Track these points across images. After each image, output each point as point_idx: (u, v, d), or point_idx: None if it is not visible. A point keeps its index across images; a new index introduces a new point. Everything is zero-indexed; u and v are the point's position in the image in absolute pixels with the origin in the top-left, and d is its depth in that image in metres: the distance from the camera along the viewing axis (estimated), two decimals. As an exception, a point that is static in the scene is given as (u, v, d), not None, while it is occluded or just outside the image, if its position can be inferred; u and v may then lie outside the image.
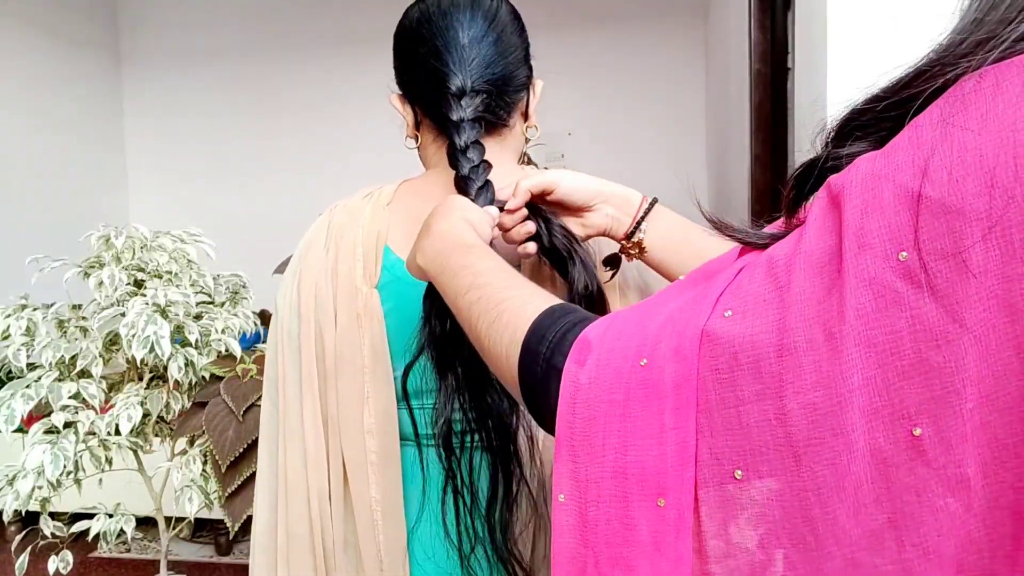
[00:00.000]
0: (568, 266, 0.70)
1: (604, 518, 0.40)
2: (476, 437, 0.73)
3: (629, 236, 0.74)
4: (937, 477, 0.32)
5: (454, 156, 0.73)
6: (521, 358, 0.47)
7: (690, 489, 0.38)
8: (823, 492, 0.34)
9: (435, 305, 0.67)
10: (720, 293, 0.40)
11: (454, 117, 0.73)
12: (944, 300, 0.32)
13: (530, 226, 0.72)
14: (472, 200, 0.71)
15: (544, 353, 0.45)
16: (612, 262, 0.78)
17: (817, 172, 0.42)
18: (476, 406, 0.71)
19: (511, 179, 0.73)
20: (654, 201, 0.75)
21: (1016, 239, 0.30)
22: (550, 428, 0.44)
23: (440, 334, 0.68)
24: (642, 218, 0.73)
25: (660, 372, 0.39)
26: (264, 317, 2.21)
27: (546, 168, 0.89)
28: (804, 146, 1.52)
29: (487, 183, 0.73)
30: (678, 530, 0.38)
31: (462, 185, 0.73)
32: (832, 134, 0.42)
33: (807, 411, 0.34)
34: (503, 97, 0.77)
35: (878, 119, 0.40)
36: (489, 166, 0.74)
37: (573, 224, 0.74)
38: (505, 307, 0.51)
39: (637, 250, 0.75)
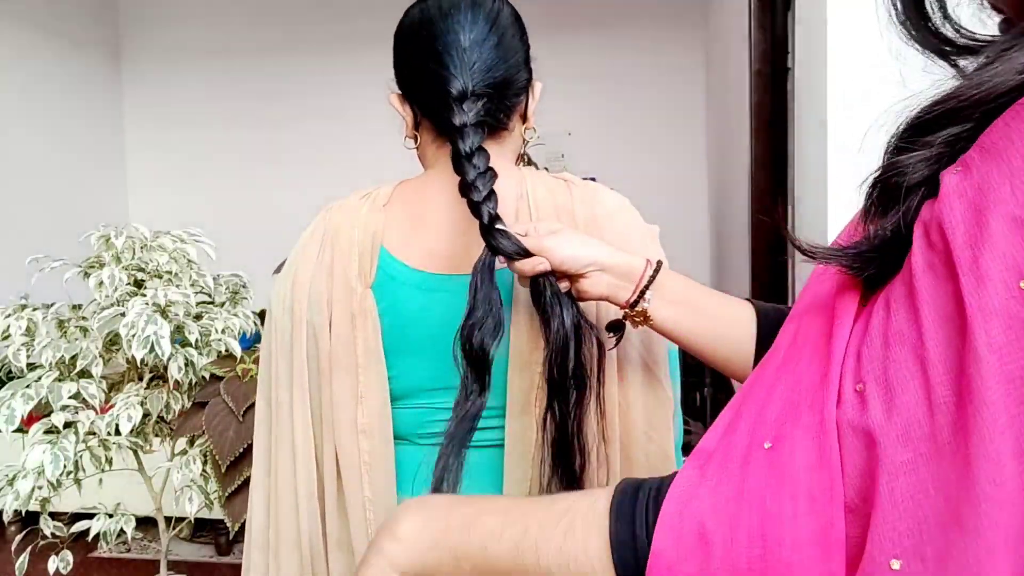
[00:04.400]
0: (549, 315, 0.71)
1: None
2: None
3: (632, 304, 0.71)
4: None
5: (459, 162, 0.72)
6: (615, 552, 0.43)
7: None
8: (993, 550, 0.32)
9: None
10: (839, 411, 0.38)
11: (456, 122, 0.72)
12: None
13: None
14: (477, 207, 0.70)
15: (641, 536, 0.42)
16: (616, 328, 0.75)
17: (883, 182, 0.41)
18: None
19: (513, 184, 0.72)
20: (658, 267, 0.71)
21: None
22: None
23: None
24: (645, 287, 0.70)
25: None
26: (264, 317, 2.20)
27: (554, 172, 0.88)
28: (804, 146, 1.52)
29: (492, 193, 0.71)
30: None
31: (467, 191, 0.72)
32: (893, 144, 0.41)
33: (964, 469, 0.33)
34: (503, 100, 0.77)
35: (939, 126, 0.39)
36: (495, 174, 0.72)
37: (563, 287, 0.72)
38: (532, 521, 0.46)
39: (642, 319, 0.71)
